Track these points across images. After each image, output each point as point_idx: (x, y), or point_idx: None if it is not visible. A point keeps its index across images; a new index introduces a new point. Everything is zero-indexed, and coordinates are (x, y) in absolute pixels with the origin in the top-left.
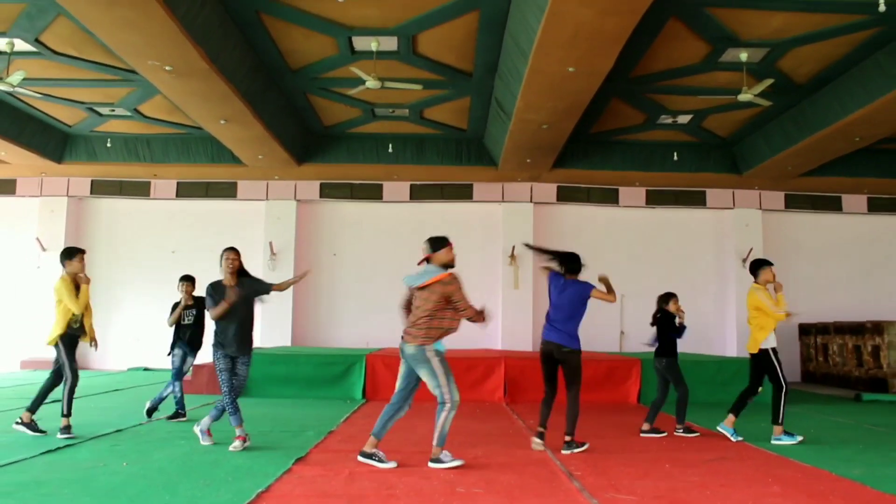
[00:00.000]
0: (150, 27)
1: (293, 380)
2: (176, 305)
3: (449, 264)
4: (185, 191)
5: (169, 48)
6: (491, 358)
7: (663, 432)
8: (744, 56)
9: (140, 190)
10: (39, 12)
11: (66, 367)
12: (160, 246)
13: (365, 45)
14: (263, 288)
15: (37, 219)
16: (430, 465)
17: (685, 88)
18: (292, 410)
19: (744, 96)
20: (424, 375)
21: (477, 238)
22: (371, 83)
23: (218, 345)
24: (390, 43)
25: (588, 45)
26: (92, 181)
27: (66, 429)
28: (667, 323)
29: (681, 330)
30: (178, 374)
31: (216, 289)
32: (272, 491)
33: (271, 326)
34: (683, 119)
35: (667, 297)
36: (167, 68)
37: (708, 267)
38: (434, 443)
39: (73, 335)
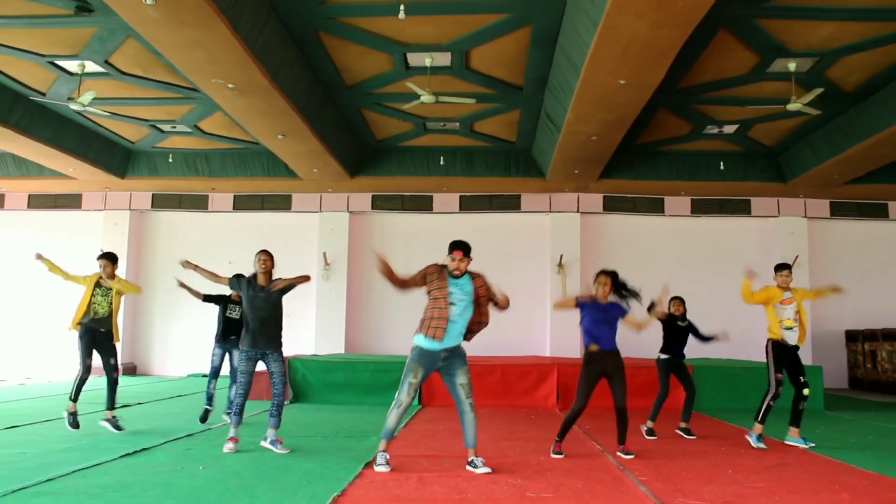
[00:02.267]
0: (215, 46)
1: (350, 386)
2: (223, 298)
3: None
4: (242, 203)
5: (232, 66)
6: (544, 364)
7: (693, 436)
8: (792, 66)
9: (198, 203)
10: (110, 35)
11: (78, 360)
12: (218, 257)
13: (419, 61)
14: (287, 287)
15: (101, 231)
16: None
17: (732, 99)
18: (352, 416)
19: (793, 106)
20: None
21: (525, 248)
22: (426, 98)
23: (242, 343)
24: (444, 58)
25: (640, 57)
26: (153, 195)
27: (73, 414)
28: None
29: (688, 331)
30: (215, 373)
31: (242, 278)
32: (347, 495)
33: (325, 335)
34: (729, 129)
35: (673, 298)
36: (230, 86)
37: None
38: None
39: (90, 328)
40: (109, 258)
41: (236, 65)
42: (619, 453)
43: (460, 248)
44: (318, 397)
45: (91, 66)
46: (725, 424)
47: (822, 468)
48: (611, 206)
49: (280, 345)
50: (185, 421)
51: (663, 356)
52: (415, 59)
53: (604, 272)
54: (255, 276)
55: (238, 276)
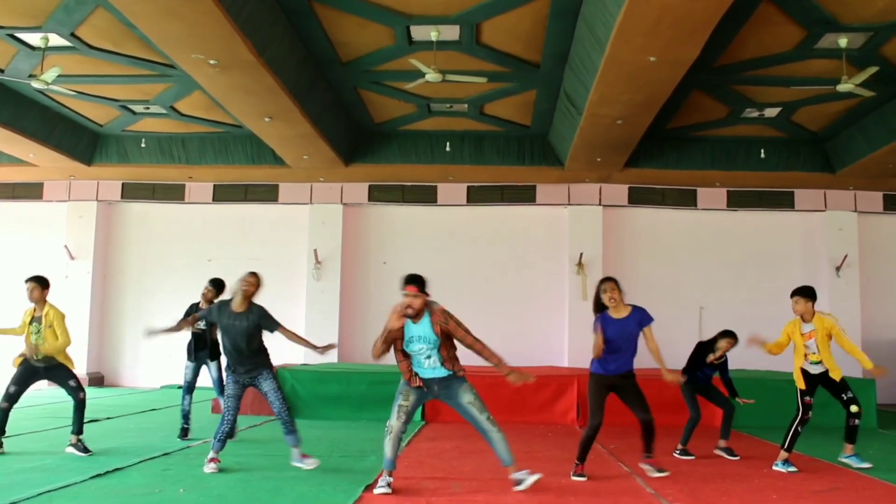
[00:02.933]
0: (195, 16)
1: (345, 399)
2: (193, 308)
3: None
4: (223, 194)
5: (214, 39)
6: (562, 376)
7: (736, 456)
8: (843, 42)
9: (174, 193)
10: (78, 4)
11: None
12: (195, 254)
13: (424, 35)
14: (268, 325)
15: (65, 225)
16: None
17: (775, 78)
18: (348, 433)
19: (844, 86)
20: None
21: (541, 244)
22: (431, 76)
23: (227, 370)
24: (452, 32)
25: (673, 32)
26: (123, 184)
27: None
28: (700, 351)
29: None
30: (189, 388)
31: (213, 308)
32: None
33: (316, 342)
34: (771, 112)
35: (724, 334)
36: (211, 62)
37: (797, 276)
38: None
39: (30, 364)
40: (38, 281)
41: (219, 38)
42: (642, 465)
43: (414, 282)
44: (309, 412)
45: (55, 40)
46: (767, 444)
47: (879, 493)
48: (637, 198)
49: (265, 364)
50: (160, 438)
51: (684, 380)
52: (419, 32)
53: (606, 279)
54: (229, 300)
55: (210, 307)
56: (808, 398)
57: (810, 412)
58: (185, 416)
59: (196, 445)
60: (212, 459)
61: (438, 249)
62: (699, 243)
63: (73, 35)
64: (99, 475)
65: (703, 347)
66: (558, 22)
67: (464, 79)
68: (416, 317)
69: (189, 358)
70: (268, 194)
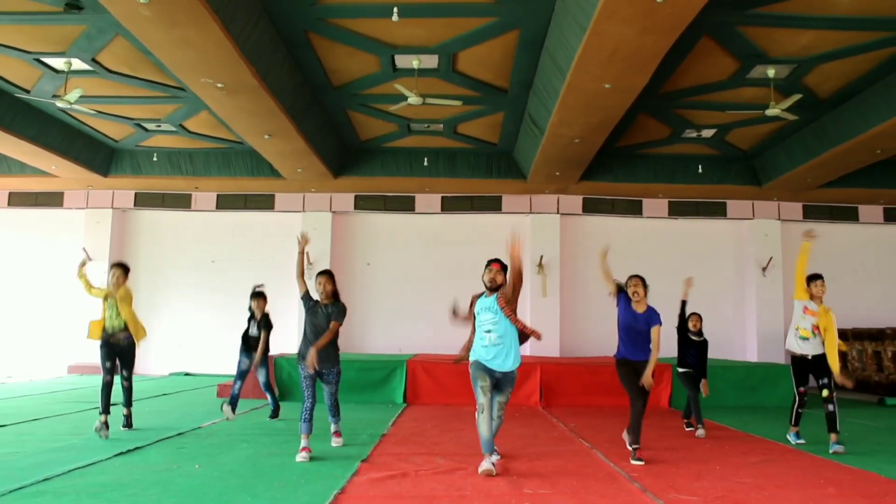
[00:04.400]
0: (206, 46)
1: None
2: (249, 320)
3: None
4: (225, 203)
5: (222, 66)
6: (526, 364)
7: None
8: (771, 72)
9: (181, 202)
10: (99, 33)
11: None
12: (200, 256)
13: (406, 63)
14: (336, 317)
15: (83, 230)
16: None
17: (712, 104)
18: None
19: (772, 111)
20: None
21: (505, 248)
22: (413, 99)
23: (300, 357)
24: (431, 61)
25: (626, 63)
26: (135, 194)
27: (104, 424)
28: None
29: (705, 347)
30: (242, 374)
31: (313, 304)
32: (347, 493)
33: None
34: (708, 133)
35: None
36: (219, 85)
37: (728, 276)
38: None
39: (106, 340)
40: (114, 266)
41: (226, 64)
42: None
43: (499, 261)
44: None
45: (77, 64)
46: (707, 422)
47: (805, 464)
48: (590, 207)
49: (337, 360)
50: (173, 419)
51: (682, 370)
52: (402, 60)
53: (635, 276)
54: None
55: (305, 297)
56: (801, 388)
57: (805, 398)
58: (234, 398)
59: (206, 426)
60: (304, 448)
61: (416, 252)
62: (644, 247)
63: (93, 60)
64: (121, 453)
65: (682, 326)
66: (525, 53)
67: (441, 102)
68: (491, 290)
69: (243, 351)
70: (265, 203)
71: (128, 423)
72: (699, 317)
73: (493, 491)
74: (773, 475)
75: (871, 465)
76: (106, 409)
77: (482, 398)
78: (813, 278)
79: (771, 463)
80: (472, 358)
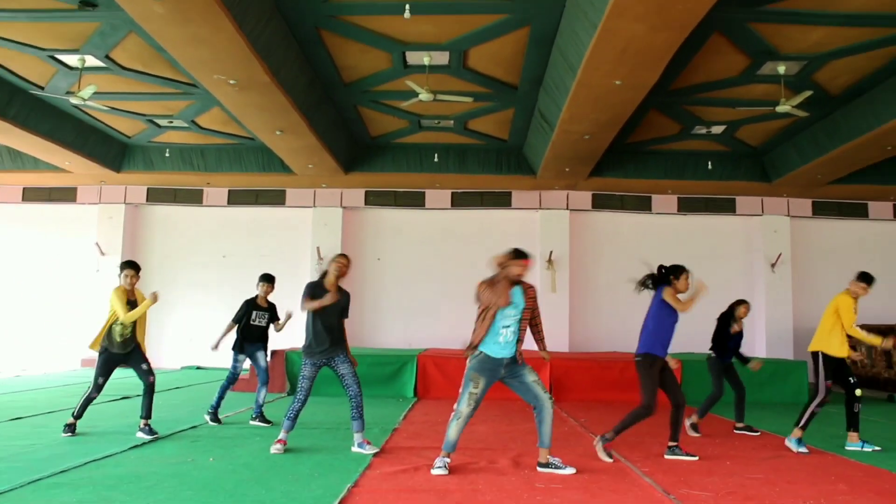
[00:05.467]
0: (219, 43)
1: None
2: (249, 304)
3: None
4: (236, 198)
5: (235, 63)
6: (536, 358)
7: (756, 431)
8: (781, 69)
9: (193, 198)
10: (113, 30)
11: (92, 378)
12: (212, 251)
13: (417, 60)
14: (347, 310)
15: (96, 225)
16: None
17: (722, 100)
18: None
19: (782, 108)
20: None
21: (514, 244)
22: (424, 96)
23: (306, 352)
24: (442, 58)
25: (636, 59)
26: (148, 189)
27: (71, 427)
28: (724, 324)
29: (730, 336)
30: (234, 379)
31: (316, 287)
32: (361, 486)
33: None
34: (717, 129)
35: (739, 302)
36: (231, 82)
37: (737, 272)
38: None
39: (111, 353)
40: (126, 267)
41: (239, 61)
42: (666, 455)
43: (528, 255)
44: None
45: (91, 61)
46: (715, 418)
47: (816, 460)
48: (599, 203)
49: (345, 346)
50: (186, 413)
51: (715, 356)
52: (413, 57)
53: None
54: (320, 281)
55: (310, 284)
56: (829, 382)
57: (829, 395)
58: (258, 407)
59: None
60: (279, 441)
61: (426, 247)
62: (653, 243)
63: (107, 57)
64: (136, 446)
65: (724, 318)
66: (535, 49)
67: (452, 98)
68: (514, 283)
69: (241, 351)
70: (276, 198)
71: (151, 431)
72: (748, 304)
73: (506, 485)
74: (784, 471)
75: (883, 462)
76: (79, 416)
77: (464, 407)
78: (867, 278)
79: (781, 458)
80: (482, 349)
